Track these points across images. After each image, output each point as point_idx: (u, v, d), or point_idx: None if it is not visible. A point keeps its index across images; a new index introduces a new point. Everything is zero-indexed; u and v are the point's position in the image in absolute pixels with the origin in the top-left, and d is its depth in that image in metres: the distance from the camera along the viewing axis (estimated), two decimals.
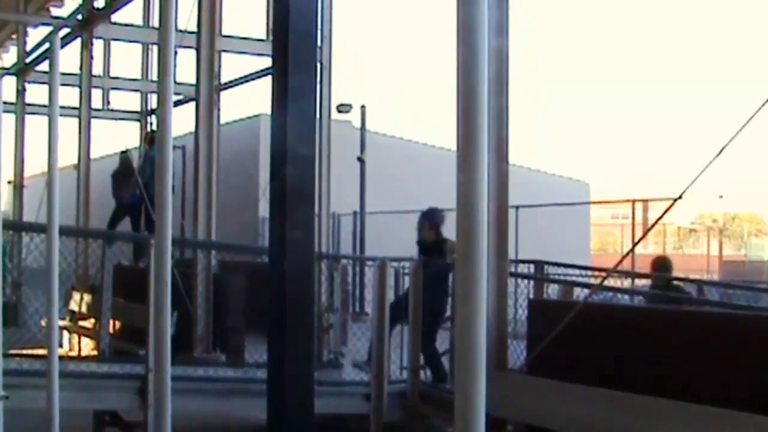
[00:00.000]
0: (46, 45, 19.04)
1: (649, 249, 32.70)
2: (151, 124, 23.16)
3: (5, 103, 21.42)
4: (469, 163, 1.73)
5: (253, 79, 16.50)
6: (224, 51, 13.30)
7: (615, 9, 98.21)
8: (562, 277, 12.16)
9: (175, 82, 12.59)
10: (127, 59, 22.94)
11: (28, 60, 20.23)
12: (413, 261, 9.40)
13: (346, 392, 9.17)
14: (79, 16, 16.25)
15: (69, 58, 15.81)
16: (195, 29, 11.71)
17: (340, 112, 25.22)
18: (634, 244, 14.54)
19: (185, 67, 12.86)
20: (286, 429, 3.28)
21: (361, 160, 22.57)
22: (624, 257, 8.86)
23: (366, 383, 9.04)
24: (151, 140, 14.25)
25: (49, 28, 20.26)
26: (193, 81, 11.82)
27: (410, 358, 8.97)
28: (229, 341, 10.69)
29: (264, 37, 16.33)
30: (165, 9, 3.01)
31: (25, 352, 9.01)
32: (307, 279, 3.21)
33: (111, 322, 10.13)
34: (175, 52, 3.70)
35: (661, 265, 10.07)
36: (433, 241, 10.24)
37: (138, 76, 23.11)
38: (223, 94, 14.14)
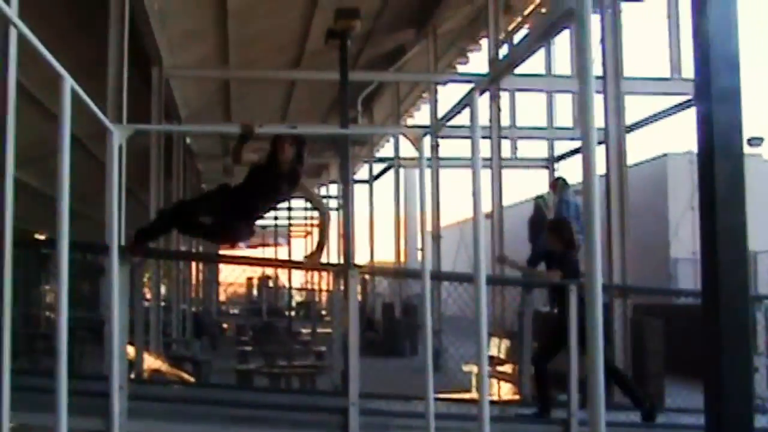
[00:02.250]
0: (454, 101, 19.96)
1: None
2: (556, 170, 23.48)
3: (415, 159, 22.70)
4: None
5: (660, 118, 16.22)
6: (628, 93, 13.19)
7: None
8: None
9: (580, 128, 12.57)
10: (528, 109, 23.54)
11: (440, 117, 21.33)
12: None
13: None
14: (485, 71, 16.87)
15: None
16: (600, 73, 11.74)
17: (751, 145, 24.10)
18: None
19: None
20: None
21: None
22: None
23: None
24: (563, 185, 14.36)
25: (454, 85, 21.26)
26: (599, 125, 11.84)
27: None
28: (648, 385, 10.47)
29: (667, 75, 16.07)
30: (580, 56, 3.05)
31: (444, 396, 9.39)
32: (742, 320, 3.08)
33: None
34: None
35: None
36: None
37: (543, 124, 23.57)
38: (630, 136, 14.04)
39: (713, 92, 3.29)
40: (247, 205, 7.46)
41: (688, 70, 15.82)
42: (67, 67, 4.13)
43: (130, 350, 8.42)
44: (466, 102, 17.54)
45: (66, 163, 4.22)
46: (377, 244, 31.70)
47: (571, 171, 23.04)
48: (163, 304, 15.85)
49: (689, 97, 16.20)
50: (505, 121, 19.92)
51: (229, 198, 7.47)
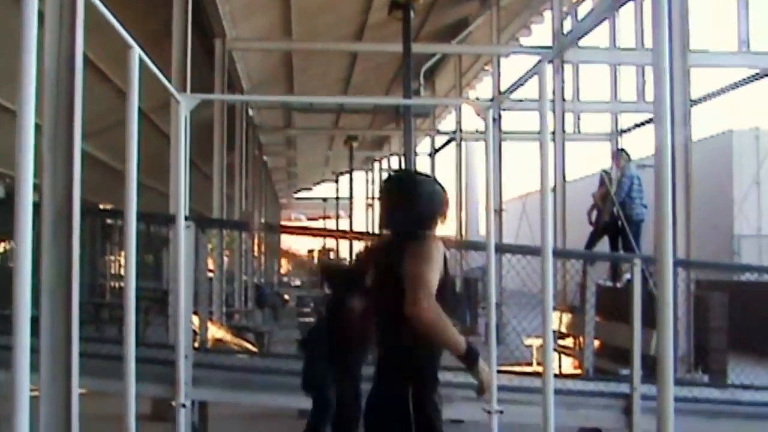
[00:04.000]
0: (518, 73, 19.80)
1: None
2: (619, 144, 23.22)
3: (478, 132, 22.63)
4: None
5: (727, 92, 15.96)
6: (694, 66, 12.96)
7: None
8: None
9: (645, 101, 12.61)
10: (592, 82, 23.29)
11: (503, 89, 21.20)
12: None
13: None
14: (550, 43, 16.70)
15: (536, 85, 16.32)
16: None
17: None
18: None
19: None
20: None
21: None
22: None
23: None
24: (626, 158, 14.18)
25: (515, 59, 21.11)
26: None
27: None
28: (711, 361, 10.37)
29: (735, 48, 15.78)
30: (657, 28, 2.99)
31: (507, 369, 9.37)
32: None
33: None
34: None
35: None
36: None
37: (606, 98, 23.31)
38: (694, 110, 13.82)
39: None
40: None
41: (756, 43, 15.56)
42: (133, 38, 4.17)
43: (195, 320, 8.52)
44: (534, 72, 17.40)
45: (134, 132, 4.27)
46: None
47: (633, 145, 22.81)
48: (226, 275, 16.03)
49: (757, 71, 15.90)
50: (568, 94, 19.72)
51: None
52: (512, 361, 11.63)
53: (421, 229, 4.05)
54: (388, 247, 4.17)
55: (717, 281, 14.23)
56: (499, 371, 6.52)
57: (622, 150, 15.10)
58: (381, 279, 4.19)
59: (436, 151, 30.01)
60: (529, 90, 19.72)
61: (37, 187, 3.48)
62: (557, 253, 11.28)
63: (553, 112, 15.85)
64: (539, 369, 5.93)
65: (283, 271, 50.53)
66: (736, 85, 16.78)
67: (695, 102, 15.66)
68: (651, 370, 2.89)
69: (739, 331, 11.22)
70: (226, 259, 15.84)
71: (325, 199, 42.60)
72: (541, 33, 29.19)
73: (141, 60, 4.29)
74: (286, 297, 30.30)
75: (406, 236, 4.01)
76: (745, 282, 16.56)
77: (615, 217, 13.52)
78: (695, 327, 10.34)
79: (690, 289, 10.38)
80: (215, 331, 11.60)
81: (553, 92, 15.84)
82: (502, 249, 8.87)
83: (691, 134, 11.81)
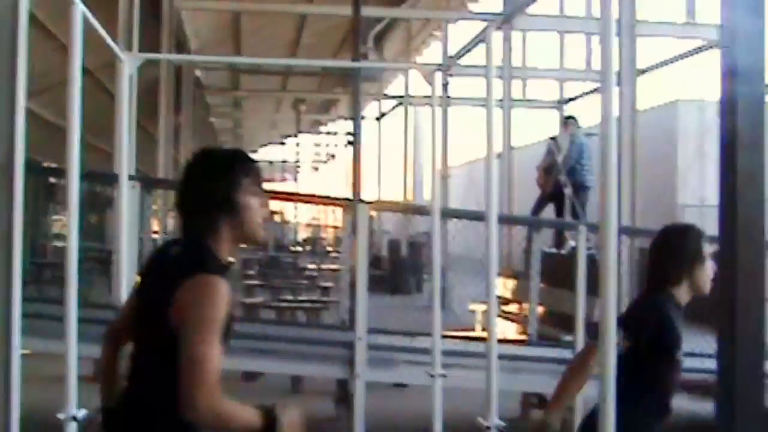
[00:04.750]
0: (467, 40, 19.81)
1: None
2: (565, 111, 23.33)
3: (426, 97, 22.53)
4: None
5: (674, 62, 16.09)
6: (641, 36, 13.06)
7: None
8: None
9: (592, 70, 12.70)
10: (539, 49, 23.30)
11: (452, 55, 21.18)
12: None
13: None
14: (498, 10, 16.71)
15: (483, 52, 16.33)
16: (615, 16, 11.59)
17: None
18: None
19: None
20: (736, 420, 3.18)
21: None
22: None
23: None
24: (575, 124, 14.24)
25: (464, 26, 21.08)
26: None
27: None
28: None
29: (684, 20, 15.91)
30: None
31: (455, 333, 9.43)
32: (758, 267, 3.09)
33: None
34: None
35: None
36: None
37: (555, 66, 23.39)
38: (640, 80, 13.92)
39: (738, 36, 3.25)
40: None
41: (703, 16, 15.67)
42: None
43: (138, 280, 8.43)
44: (481, 39, 17.39)
45: (77, 91, 4.20)
46: (385, 181, 31.77)
47: (582, 113, 22.93)
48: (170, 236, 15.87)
49: (702, 43, 16.05)
50: (517, 61, 19.76)
51: None
52: (457, 326, 11.70)
53: (201, 212, 3.27)
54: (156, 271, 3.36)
55: None
56: (443, 336, 6.54)
57: (572, 117, 15.16)
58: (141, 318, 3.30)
59: (383, 115, 29.97)
60: (480, 56, 19.74)
61: None
62: (502, 219, 11.31)
63: (502, 78, 15.90)
64: (483, 334, 5.97)
65: None
66: (681, 57, 16.95)
67: (642, 72, 15.80)
68: (595, 336, 2.93)
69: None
70: (170, 220, 15.73)
71: (271, 162, 42.38)
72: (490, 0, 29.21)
73: (85, 17, 4.21)
74: (231, 259, 30.11)
75: (187, 241, 3.32)
76: None
77: (561, 184, 13.60)
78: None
79: (633, 256, 10.52)
80: None
81: (502, 59, 15.87)
82: (446, 214, 8.89)
83: (635, 104, 11.93)
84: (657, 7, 16.79)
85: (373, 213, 21.08)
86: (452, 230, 15.90)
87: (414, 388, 9.05)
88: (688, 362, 3.88)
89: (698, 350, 7.83)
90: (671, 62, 17.33)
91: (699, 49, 16.27)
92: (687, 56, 16.81)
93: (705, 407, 5.14)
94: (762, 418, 3.26)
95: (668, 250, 3.96)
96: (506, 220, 12.66)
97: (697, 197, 24.41)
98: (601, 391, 2.76)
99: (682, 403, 4.40)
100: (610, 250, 2.77)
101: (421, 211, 11.57)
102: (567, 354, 8.17)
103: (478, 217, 7.51)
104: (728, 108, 3.18)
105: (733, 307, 3.04)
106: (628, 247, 10.23)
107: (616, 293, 2.87)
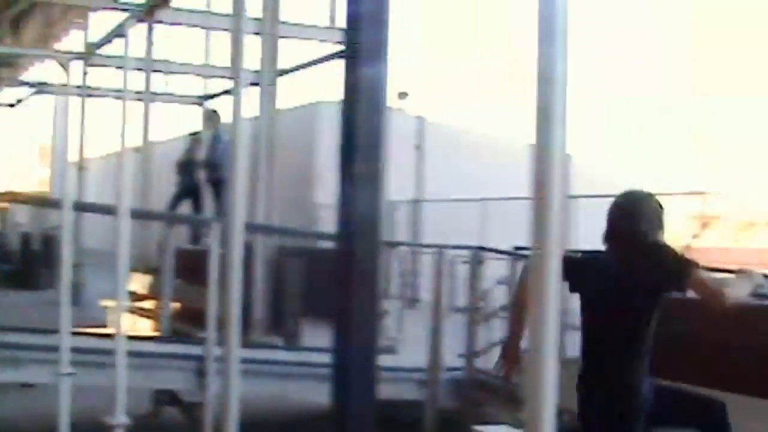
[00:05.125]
0: (109, 30, 19.30)
1: None
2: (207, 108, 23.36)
3: (64, 86, 21.74)
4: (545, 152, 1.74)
5: (314, 65, 16.58)
6: (284, 37, 13.35)
7: None
8: None
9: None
10: (188, 44, 23.11)
11: (91, 44, 20.52)
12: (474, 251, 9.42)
13: (401, 378, 9.21)
14: (142, 1, 16.40)
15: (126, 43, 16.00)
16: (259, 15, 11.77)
17: (401, 99, 25.29)
18: None
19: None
20: (349, 412, 3.34)
21: (418, 148, 22.75)
22: None
23: (422, 370, 9.09)
24: (217, 119, 14.31)
25: (109, 13, 20.50)
26: (254, 67, 11.87)
27: (466, 345, 9.02)
28: (286, 325, 10.75)
29: (326, 24, 16.42)
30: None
31: (85, 330, 9.17)
32: (373, 265, 3.26)
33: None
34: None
35: None
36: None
37: (200, 61, 23.32)
38: (281, 80, 14.22)
39: (362, 44, 3.42)
40: None
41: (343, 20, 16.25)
42: None
43: None
44: (120, 31, 17.00)
45: None
46: (20, 172, 30.23)
47: (224, 110, 23.03)
48: None
49: (342, 47, 16.65)
50: (161, 55, 19.51)
51: None
52: (90, 322, 11.37)
53: None
54: None
55: (299, 248, 14.74)
56: (73, 333, 6.34)
57: (215, 112, 15.22)
58: None
59: (19, 101, 28.51)
60: (123, 48, 19.24)
61: None
62: (135, 214, 11.11)
63: (144, 70, 15.66)
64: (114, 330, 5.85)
65: None
66: (322, 60, 17.49)
67: (284, 72, 16.15)
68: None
69: (316, 296, 11.70)
70: None
71: None
72: None
73: None
74: None
75: None
76: (322, 249, 17.30)
77: (198, 180, 13.61)
78: (274, 292, 10.67)
79: (267, 254, 10.71)
80: None
81: (145, 52, 15.63)
82: (78, 207, 8.62)
83: (275, 104, 12.17)
84: (302, 10, 17.16)
85: (5, 205, 20.04)
86: (90, 224, 15.47)
87: (41, 388, 8.70)
88: (306, 356, 4.04)
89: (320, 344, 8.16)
90: (313, 64, 17.83)
91: (340, 53, 16.83)
92: (328, 59, 17.36)
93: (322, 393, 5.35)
94: (372, 406, 3.46)
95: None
96: (139, 214, 12.46)
97: (335, 196, 25.25)
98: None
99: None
100: (235, 245, 2.82)
101: (53, 203, 11.11)
102: (200, 350, 8.19)
103: (111, 211, 7.34)
104: (348, 109, 3.34)
105: (350, 303, 3.19)
106: (262, 246, 10.43)
107: (241, 287, 2.93)
